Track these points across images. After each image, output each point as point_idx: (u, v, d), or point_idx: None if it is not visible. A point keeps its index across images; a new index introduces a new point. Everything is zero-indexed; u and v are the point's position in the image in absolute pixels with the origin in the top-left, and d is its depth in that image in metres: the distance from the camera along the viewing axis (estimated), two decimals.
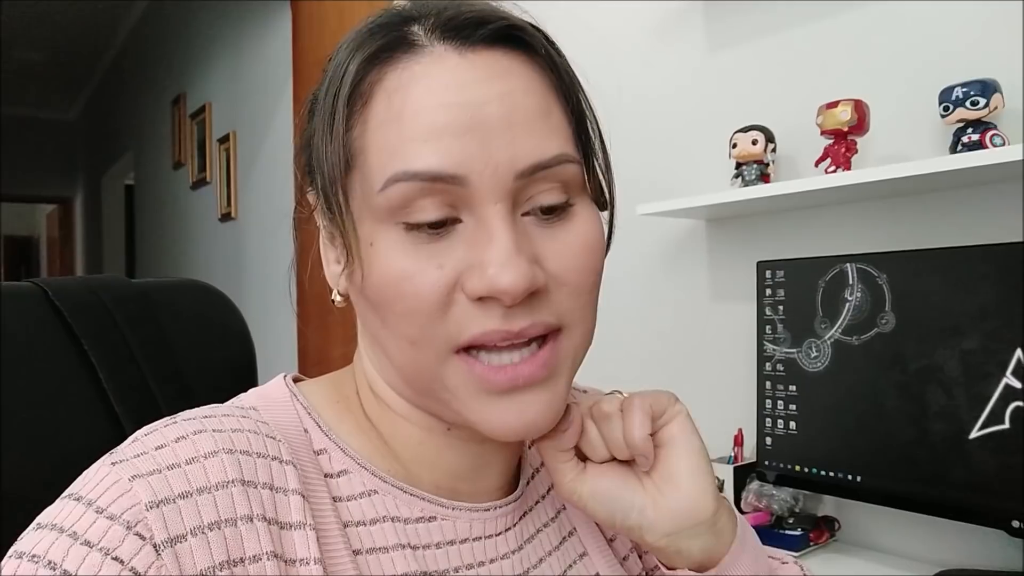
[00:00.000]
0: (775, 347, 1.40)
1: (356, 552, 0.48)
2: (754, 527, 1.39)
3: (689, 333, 1.77)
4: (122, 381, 0.68)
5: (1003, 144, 1.19)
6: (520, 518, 0.57)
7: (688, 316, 1.77)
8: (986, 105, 1.19)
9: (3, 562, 0.41)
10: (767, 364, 1.41)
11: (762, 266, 1.43)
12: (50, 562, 0.40)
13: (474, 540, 0.53)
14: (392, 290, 0.47)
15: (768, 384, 1.41)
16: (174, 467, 0.44)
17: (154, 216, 5.51)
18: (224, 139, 3.96)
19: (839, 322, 1.30)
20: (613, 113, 1.88)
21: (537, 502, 0.60)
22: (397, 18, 0.49)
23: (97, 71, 6.72)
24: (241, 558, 0.43)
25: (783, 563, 0.68)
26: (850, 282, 1.29)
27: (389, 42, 0.48)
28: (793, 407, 1.37)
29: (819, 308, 1.33)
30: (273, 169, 3.42)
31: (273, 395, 0.54)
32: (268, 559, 0.44)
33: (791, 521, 1.41)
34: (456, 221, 0.46)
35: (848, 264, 1.30)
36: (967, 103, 1.20)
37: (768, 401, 1.41)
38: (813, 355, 1.34)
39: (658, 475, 0.53)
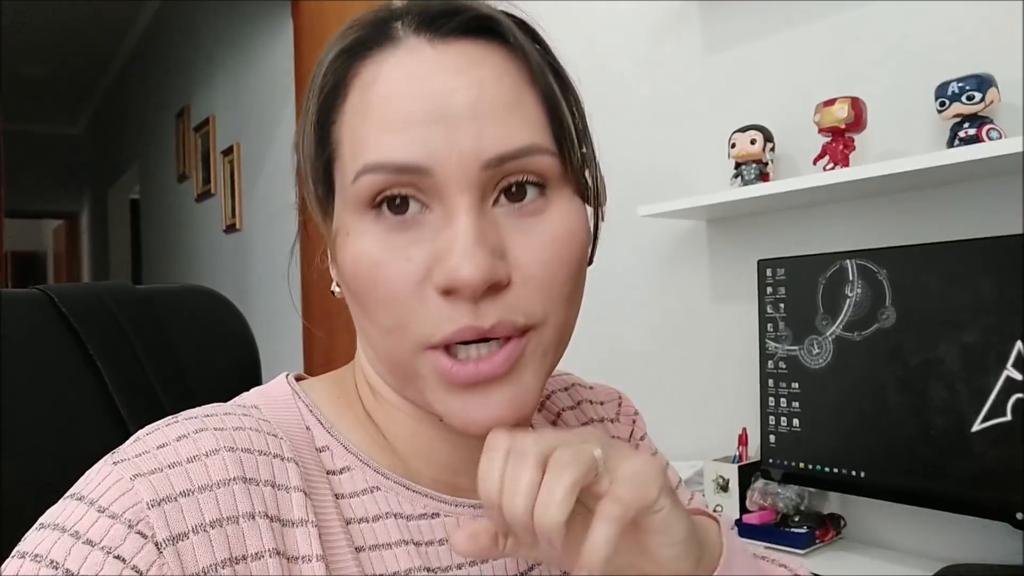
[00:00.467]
0: (777, 345, 1.40)
1: (359, 549, 0.48)
2: (759, 526, 1.41)
3: (691, 333, 1.77)
4: (127, 384, 0.69)
5: (999, 138, 1.19)
6: None
7: (690, 316, 1.78)
8: (982, 100, 1.20)
9: (6, 562, 0.41)
10: (769, 362, 1.42)
11: (763, 264, 1.44)
12: (52, 561, 0.40)
13: None
14: (365, 279, 0.47)
15: (771, 382, 1.41)
16: (175, 465, 0.44)
17: (159, 229, 5.54)
18: (228, 151, 3.98)
19: (840, 318, 1.31)
20: (612, 114, 1.89)
21: None
22: (384, 14, 0.49)
23: (101, 86, 6.77)
24: (243, 555, 0.43)
25: (777, 564, 0.66)
26: (850, 278, 1.29)
27: (369, 36, 0.48)
28: (796, 404, 1.38)
29: (820, 305, 1.34)
30: (277, 180, 3.44)
31: (275, 393, 0.54)
32: (270, 556, 0.44)
33: (796, 519, 1.41)
34: (427, 211, 0.46)
35: (848, 260, 1.30)
36: (963, 98, 1.21)
37: (771, 399, 1.41)
38: (815, 352, 1.35)
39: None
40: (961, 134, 1.22)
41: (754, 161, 1.52)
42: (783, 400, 1.40)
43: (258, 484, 0.45)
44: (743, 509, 1.47)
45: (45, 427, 0.64)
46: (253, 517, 0.44)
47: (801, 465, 1.37)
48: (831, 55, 1.50)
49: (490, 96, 0.46)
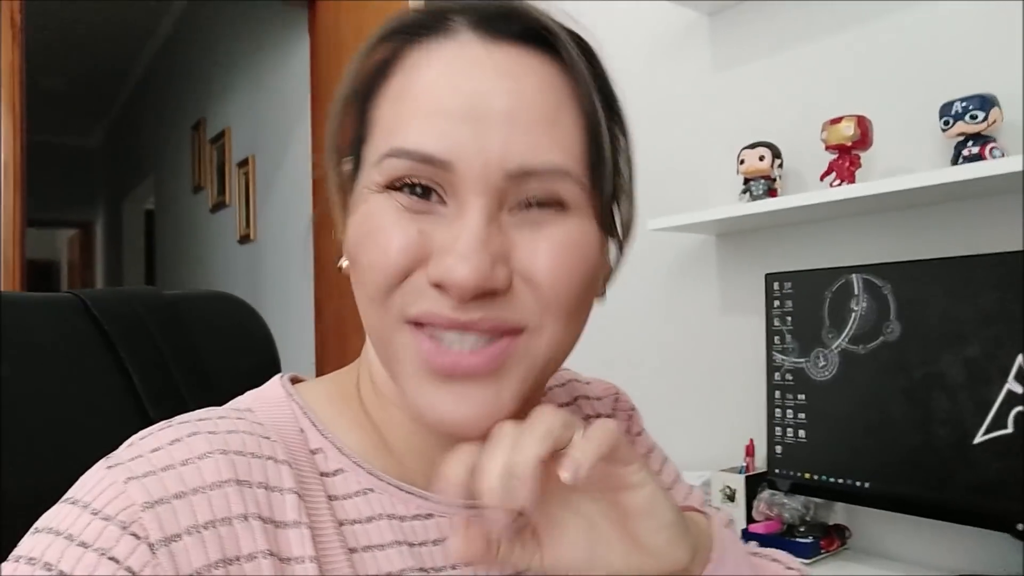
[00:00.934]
0: (784, 357, 1.42)
1: (352, 550, 0.48)
2: (766, 535, 1.42)
3: (700, 345, 1.80)
4: (155, 386, 0.71)
5: (1002, 156, 1.22)
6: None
7: (699, 329, 1.80)
8: (985, 119, 1.22)
9: (2, 566, 0.41)
10: (776, 374, 1.44)
11: (770, 278, 1.46)
12: (46, 563, 0.40)
13: None
14: (365, 239, 0.46)
15: (777, 394, 1.43)
16: (169, 468, 0.44)
17: (174, 239, 5.58)
18: (243, 163, 4.03)
19: (846, 331, 1.33)
20: None
21: None
22: (444, 7, 0.49)
23: (119, 98, 6.84)
24: (236, 556, 0.43)
25: (770, 559, 0.64)
26: (856, 292, 1.32)
27: (424, 23, 0.48)
28: (802, 416, 1.40)
29: (826, 318, 1.36)
30: (291, 191, 3.47)
31: (269, 396, 0.53)
32: (263, 557, 0.44)
33: (802, 529, 1.42)
34: (443, 204, 0.46)
35: (854, 275, 1.32)
36: (967, 117, 1.24)
37: (778, 410, 1.43)
38: (821, 364, 1.37)
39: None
40: (965, 152, 1.25)
41: (762, 177, 1.55)
42: (789, 411, 1.42)
43: (251, 486, 0.45)
44: (749, 519, 1.49)
45: (76, 428, 0.66)
46: (246, 518, 0.44)
47: (807, 476, 1.39)
48: (838, 74, 1.53)
49: (528, 106, 0.45)
